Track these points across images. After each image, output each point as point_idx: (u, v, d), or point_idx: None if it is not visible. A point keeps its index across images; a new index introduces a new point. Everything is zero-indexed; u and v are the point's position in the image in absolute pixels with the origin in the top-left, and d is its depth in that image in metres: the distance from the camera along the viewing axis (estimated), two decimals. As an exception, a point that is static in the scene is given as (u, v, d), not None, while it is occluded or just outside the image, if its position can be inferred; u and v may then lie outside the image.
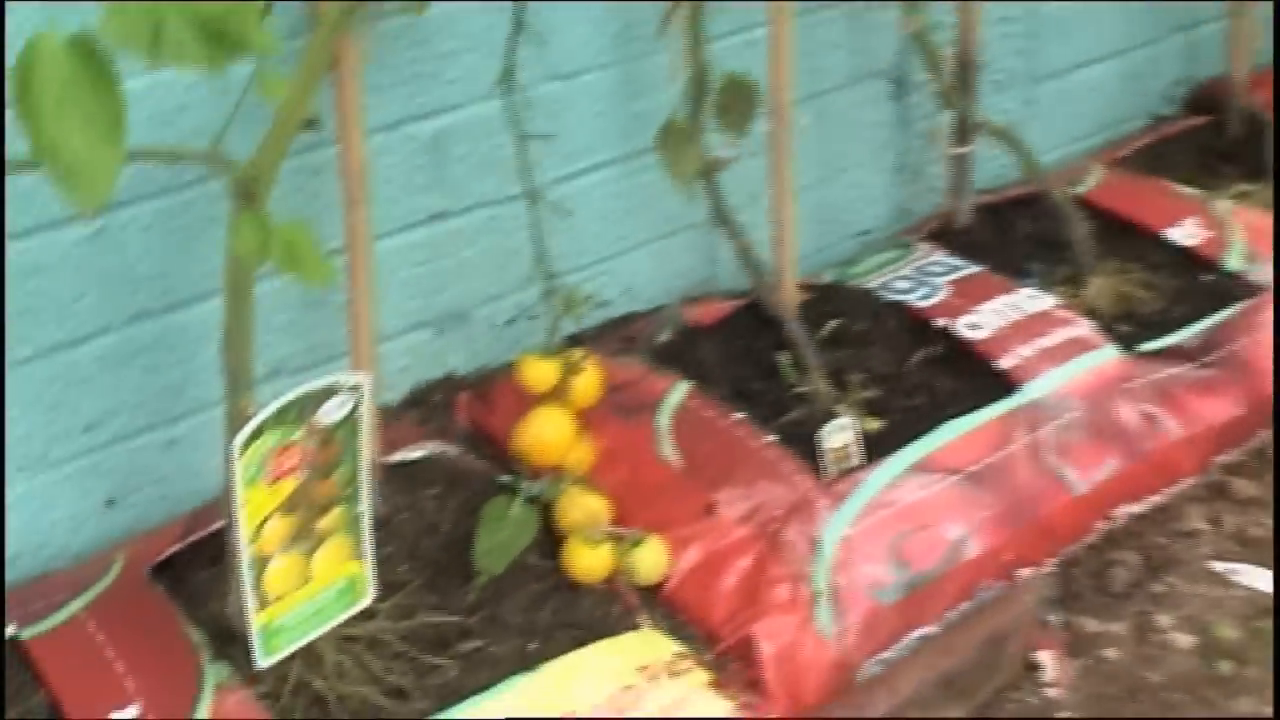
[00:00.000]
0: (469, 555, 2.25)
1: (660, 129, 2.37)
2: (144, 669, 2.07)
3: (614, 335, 2.73)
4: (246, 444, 1.78)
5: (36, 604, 2.17)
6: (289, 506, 1.87)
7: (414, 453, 2.48)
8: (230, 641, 2.07)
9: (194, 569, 2.25)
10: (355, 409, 1.87)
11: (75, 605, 2.18)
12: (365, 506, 1.98)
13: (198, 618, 2.14)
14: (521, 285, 2.62)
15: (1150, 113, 3.54)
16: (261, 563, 1.88)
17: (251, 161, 1.82)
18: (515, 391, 2.40)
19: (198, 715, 1.98)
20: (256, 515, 1.84)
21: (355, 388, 1.85)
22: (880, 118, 3.02)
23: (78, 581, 2.24)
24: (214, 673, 2.05)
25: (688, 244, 2.84)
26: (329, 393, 1.82)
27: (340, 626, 2.08)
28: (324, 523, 1.93)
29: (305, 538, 1.92)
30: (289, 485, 1.86)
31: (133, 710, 2.00)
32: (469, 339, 2.66)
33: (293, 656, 2.05)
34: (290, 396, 1.79)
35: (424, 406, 2.62)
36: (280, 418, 1.79)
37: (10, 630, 2.12)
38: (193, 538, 2.29)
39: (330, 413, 1.84)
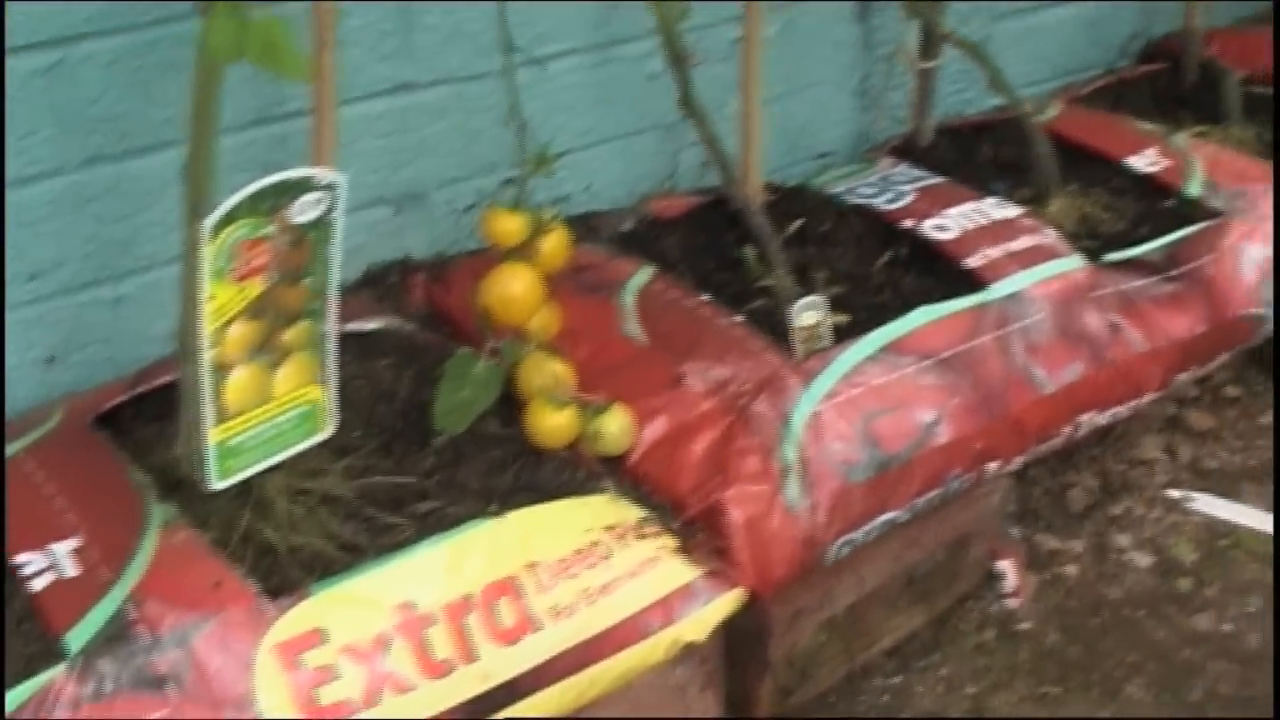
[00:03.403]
0: (426, 423, 2.17)
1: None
2: (86, 505, 1.97)
3: (576, 228, 2.66)
4: (216, 230, 1.69)
5: (-32, 449, 2.08)
6: (255, 311, 1.79)
7: (368, 324, 2.40)
8: (178, 486, 1.98)
9: (140, 422, 2.16)
10: (329, 212, 1.79)
11: (14, 448, 2.09)
12: (331, 326, 1.90)
13: (144, 464, 2.05)
14: (484, 170, 2.56)
15: (1109, 63, 3.53)
16: (221, 370, 1.79)
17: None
18: (475, 273, 2.32)
19: (141, 549, 1.89)
20: (221, 315, 1.75)
21: (330, 186, 1.77)
22: (845, 38, 3.00)
23: (16, 429, 2.14)
24: (160, 511, 1.95)
25: (652, 144, 2.79)
26: (304, 186, 1.74)
27: (294, 479, 2.00)
28: (289, 335, 1.85)
29: (269, 350, 1.84)
30: (256, 287, 1.77)
31: (73, 542, 1.90)
32: (427, 221, 2.59)
33: (243, 504, 1.96)
34: (264, 183, 1.70)
35: (379, 286, 2.54)
36: (253, 207, 1.71)
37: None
38: (140, 389, 2.19)
39: (303, 211, 1.76)
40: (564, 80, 2.63)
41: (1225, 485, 2.89)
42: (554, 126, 2.63)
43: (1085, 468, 2.84)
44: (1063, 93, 3.35)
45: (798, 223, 2.63)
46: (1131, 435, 2.93)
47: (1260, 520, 2.81)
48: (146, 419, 2.17)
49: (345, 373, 2.24)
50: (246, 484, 1.95)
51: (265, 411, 1.88)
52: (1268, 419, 3.07)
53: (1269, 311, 2.80)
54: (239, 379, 1.83)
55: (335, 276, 1.88)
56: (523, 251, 2.24)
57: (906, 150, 2.98)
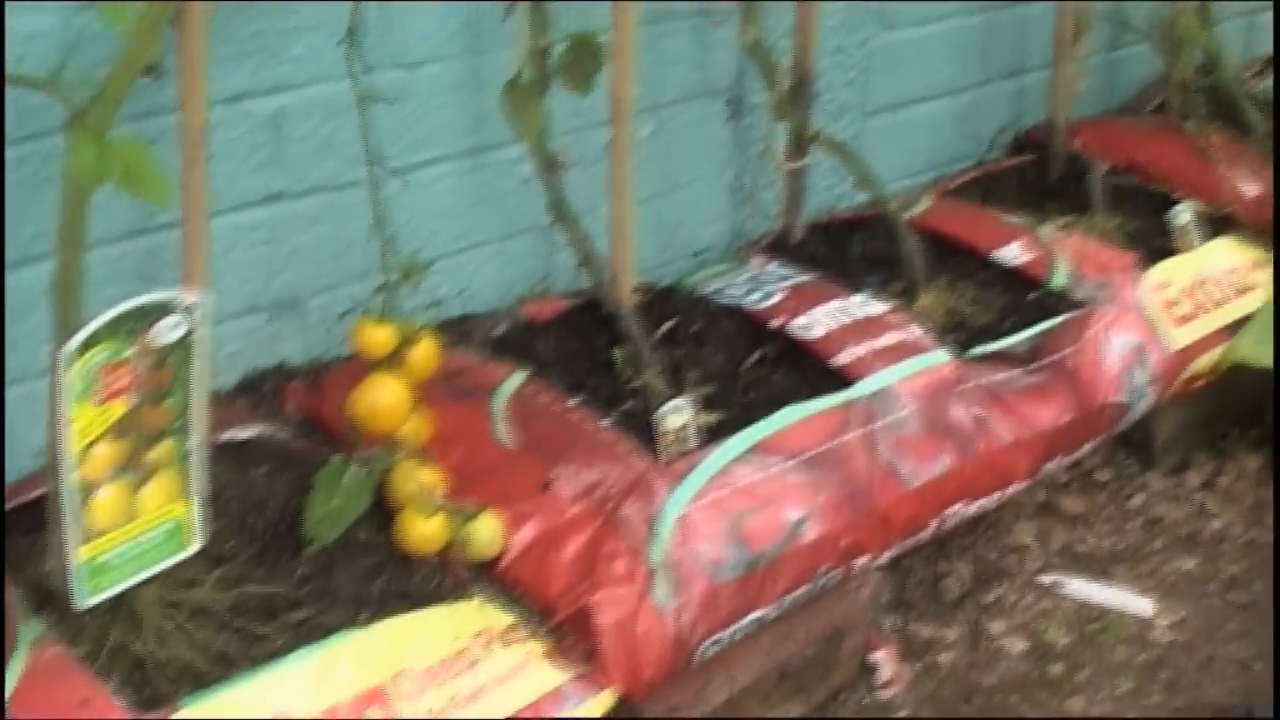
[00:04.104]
0: (299, 532, 2.20)
1: (506, 85, 2.36)
2: (-44, 623, 1.98)
3: (450, 331, 2.70)
4: (76, 355, 1.72)
5: None
6: (119, 431, 1.82)
7: (243, 432, 2.42)
8: (50, 600, 1.99)
9: (15, 535, 2.17)
10: (190, 333, 1.82)
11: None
12: (196, 443, 1.92)
13: (17, 579, 2.06)
14: (358, 277, 2.59)
15: (979, 155, 3.62)
16: (86, 490, 1.82)
17: (93, 95, 1.78)
18: (348, 381, 2.35)
19: (11, 667, 1.90)
20: (84, 436, 1.78)
21: (190, 309, 1.80)
22: (718, 137, 3.05)
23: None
24: (31, 628, 1.96)
25: (527, 247, 2.83)
26: (163, 309, 1.78)
27: (166, 591, 2.02)
28: (153, 454, 1.88)
29: (133, 468, 1.86)
30: (119, 408, 1.80)
31: (-63, 662, 1.91)
32: (303, 328, 2.61)
33: (115, 618, 1.98)
34: (124, 308, 1.74)
35: (254, 394, 2.56)
36: (113, 331, 1.74)
37: None
38: (15, 502, 2.20)
39: (164, 333, 1.79)
40: (437, 186, 2.67)
41: (1096, 569, 2.95)
42: (428, 232, 2.67)
43: (959, 556, 2.89)
44: (934, 186, 3.44)
45: (669, 323, 2.68)
46: (1004, 522, 2.98)
47: (1130, 603, 2.87)
48: (21, 531, 2.17)
49: (220, 482, 2.27)
50: (119, 597, 1.97)
51: (131, 529, 1.90)
52: (1137, 501, 3.14)
53: (1134, 399, 2.88)
54: (104, 498, 1.85)
55: (199, 395, 1.91)
56: (392, 361, 2.27)
57: (778, 247, 3.04)
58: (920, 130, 3.47)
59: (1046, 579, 2.90)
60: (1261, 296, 3.17)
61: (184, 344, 1.83)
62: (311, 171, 2.52)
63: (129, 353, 1.77)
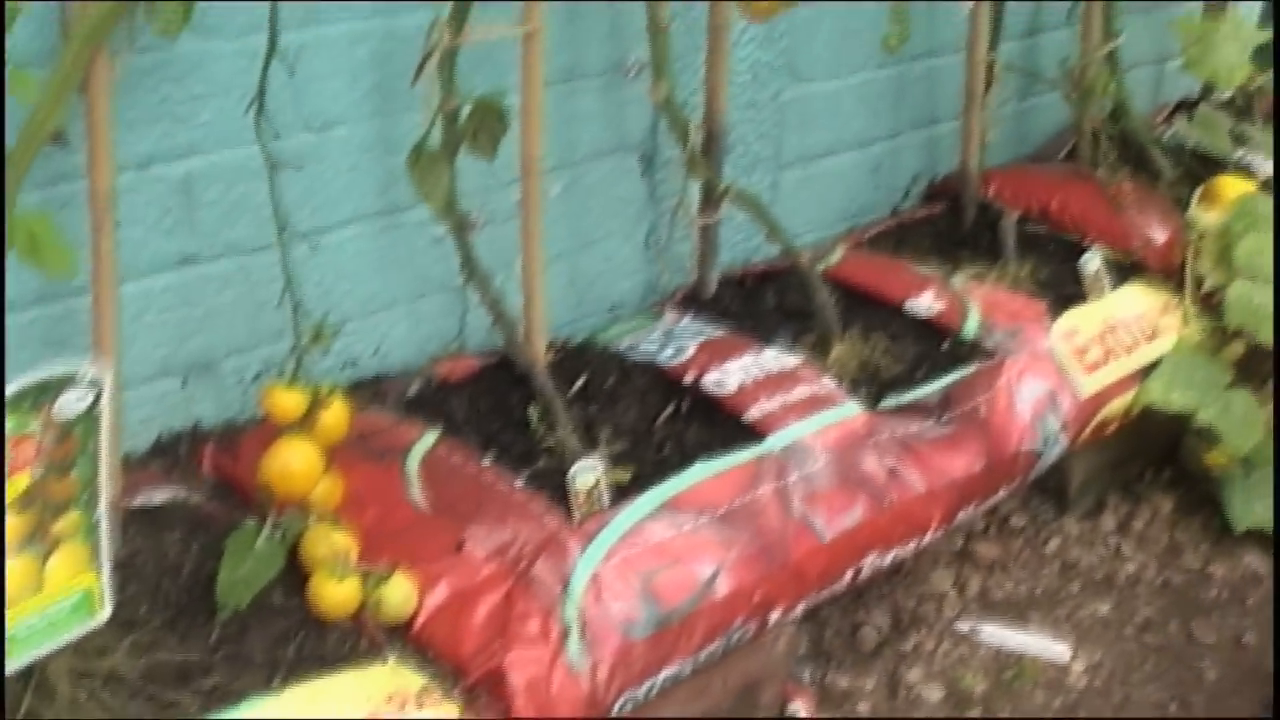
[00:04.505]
0: (212, 596, 2.20)
1: (412, 151, 2.38)
2: None
3: (364, 391, 2.71)
4: (-22, 431, 1.72)
5: None
6: (24, 504, 1.81)
7: (156, 497, 2.42)
8: (-44, 670, 1.99)
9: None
10: (95, 405, 1.83)
11: None
12: (103, 513, 1.92)
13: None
14: (271, 339, 2.59)
15: (893, 205, 3.66)
16: (-8, 563, 1.82)
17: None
18: (262, 442, 2.36)
19: (-78, 743, 1.90)
20: (-12, 510, 1.78)
21: (95, 381, 1.81)
22: (631, 193, 3.07)
23: None
24: (-64, 700, 1.96)
25: (440, 306, 2.85)
26: (67, 383, 1.78)
27: (78, 660, 2.02)
28: (60, 525, 1.87)
29: (39, 540, 1.86)
30: (23, 480, 1.80)
31: None
32: (216, 390, 2.62)
33: (24, 689, 1.97)
34: (26, 382, 1.73)
35: (168, 456, 2.57)
36: (16, 405, 1.74)
37: None
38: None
39: (69, 406, 1.79)
40: (349, 247, 2.69)
41: (1013, 614, 2.98)
42: (341, 293, 2.69)
43: (876, 604, 2.92)
44: (848, 236, 3.47)
45: (582, 380, 2.69)
46: (921, 569, 3.01)
47: (1046, 647, 2.90)
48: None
49: (133, 547, 2.28)
50: (30, 668, 1.96)
51: (38, 601, 1.90)
52: (1053, 547, 3.18)
53: (1046, 446, 2.91)
54: (10, 571, 1.85)
55: (105, 466, 1.91)
56: (303, 425, 2.28)
57: (692, 301, 3.07)
58: (834, 181, 3.50)
59: (963, 626, 2.93)
60: (1170, 341, 3.22)
61: (90, 416, 1.83)
62: (223, 235, 2.53)
63: (33, 426, 1.77)
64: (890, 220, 3.57)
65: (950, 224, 3.49)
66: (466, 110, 2.38)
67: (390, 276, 2.76)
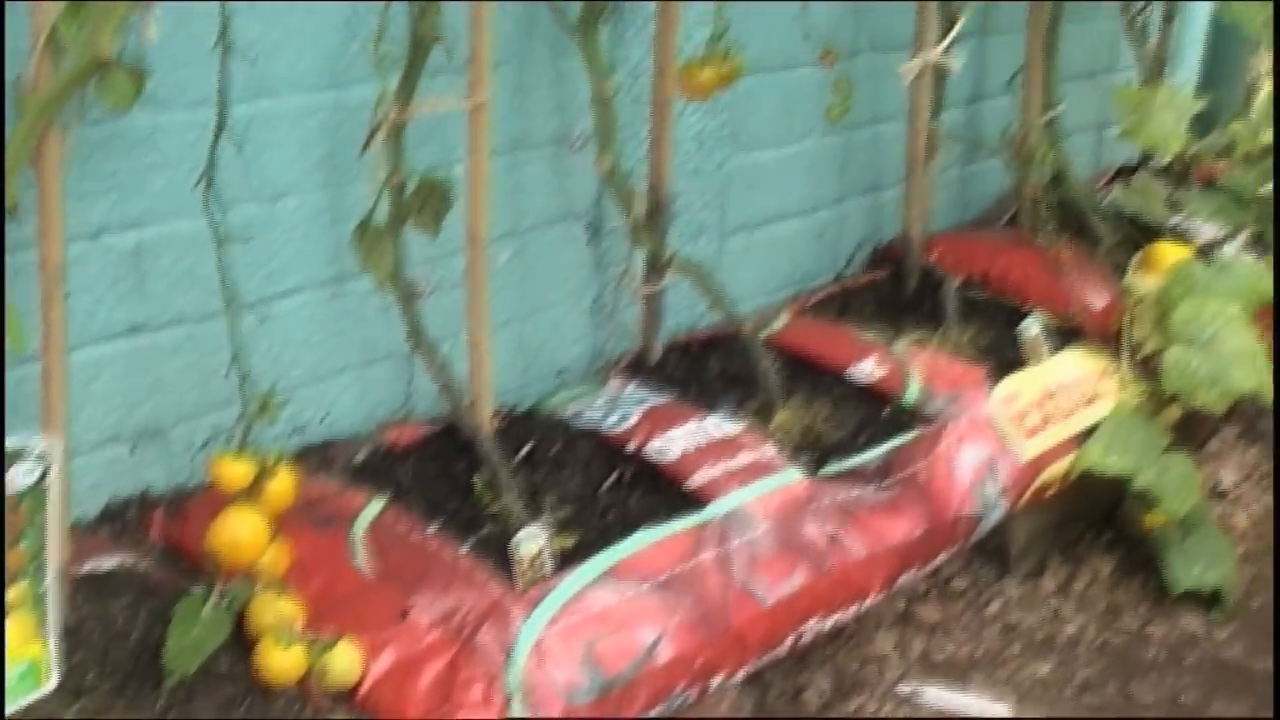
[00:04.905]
0: (159, 663, 2.22)
1: (356, 227, 2.42)
2: None
3: (312, 458, 2.74)
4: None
5: None
6: (-28, 577, 1.85)
7: (105, 563, 2.44)
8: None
9: None
10: (43, 478, 1.86)
11: None
12: (50, 584, 1.95)
13: None
14: (221, 405, 2.62)
15: (837, 271, 3.71)
16: (-59, 635, 1.84)
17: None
18: (211, 508, 2.38)
19: None
20: (-63, 583, 1.81)
21: (43, 456, 1.84)
22: (578, 260, 3.12)
23: None
24: (-114, 771, 1.98)
25: (388, 372, 2.88)
26: (16, 456, 1.81)
27: (23, 729, 2.04)
28: (9, 596, 1.90)
29: (-12, 612, 1.89)
30: (-28, 554, 1.83)
31: None
32: (166, 457, 2.64)
33: (-29, 756, 2.00)
34: (-26, 458, 1.77)
35: (117, 522, 2.59)
36: (-36, 480, 1.77)
37: None
38: None
39: (17, 479, 1.83)
40: (297, 315, 2.72)
41: (955, 676, 3.02)
42: (289, 360, 2.72)
43: (819, 667, 2.95)
44: (793, 302, 3.52)
45: (528, 447, 2.73)
46: (864, 632, 3.05)
47: (987, 709, 2.94)
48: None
49: (81, 614, 2.30)
50: (-23, 736, 1.99)
51: (-15, 672, 1.93)
52: (994, 608, 3.22)
53: (986, 510, 2.96)
54: (-42, 642, 1.88)
55: (54, 537, 1.94)
56: (251, 494, 2.31)
57: (637, 368, 3.11)
58: (779, 248, 3.56)
59: (905, 688, 2.96)
60: (1108, 405, 3.28)
61: (38, 489, 1.87)
62: (173, 304, 2.56)
63: (-19, 500, 1.80)
64: (834, 286, 3.63)
65: (893, 290, 3.54)
66: (413, 184, 2.42)
67: (338, 344, 2.79)
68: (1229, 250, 3.76)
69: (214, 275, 2.39)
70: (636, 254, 3.03)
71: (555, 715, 2.28)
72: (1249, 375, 3.23)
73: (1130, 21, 4.00)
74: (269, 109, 2.57)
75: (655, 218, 2.98)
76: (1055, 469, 3.15)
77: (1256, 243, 3.84)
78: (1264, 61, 4.36)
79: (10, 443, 1.82)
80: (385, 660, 2.30)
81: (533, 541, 2.40)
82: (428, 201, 2.39)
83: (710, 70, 2.81)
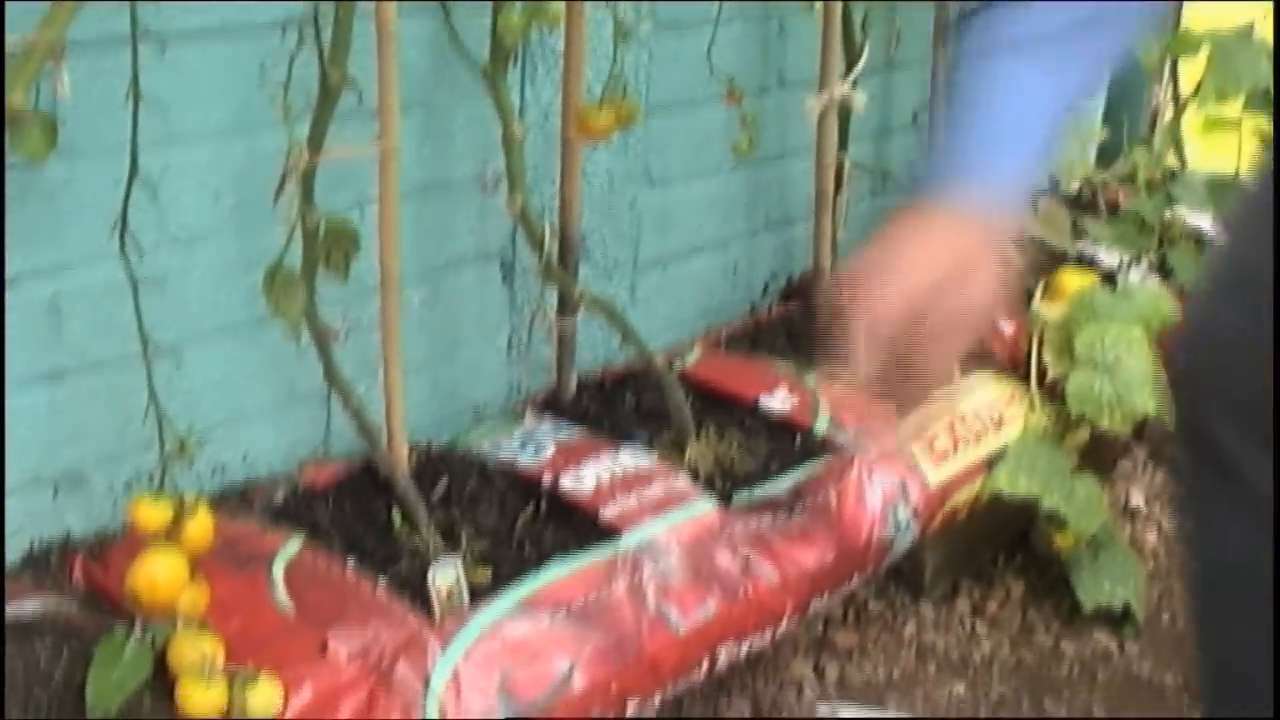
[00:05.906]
0: (83, 703, 2.26)
1: (266, 273, 2.47)
2: None
3: (231, 499, 2.78)
4: None
5: None
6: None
7: (28, 607, 2.48)
8: None
9: None
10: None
11: None
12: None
13: None
14: (141, 448, 2.65)
15: (750, 305, 3.78)
16: None
17: None
18: (131, 551, 2.43)
19: None
20: None
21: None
22: (493, 299, 3.17)
23: None
24: None
25: (307, 412, 2.93)
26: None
27: (-55, 772, 2.08)
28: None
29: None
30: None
31: None
32: (87, 500, 2.68)
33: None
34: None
35: (39, 567, 2.62)
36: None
37: None
38: None
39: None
40: (215, 358, 2.76)
41: (871, 698, 3.09)
42: (208, 403, 2.76)
43: (737, 693, 3.02)
44: (706, 337, 3.59)
45: (444, 484, 2.79)
46: (781, 657, 3.12)
47: (902, 730, 3.02)
48: None
49: (4, 657, 2.34)
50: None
51: (-95, 716, 1.96)
52: (909, 631, 3.29)
53: (897, 535, 3.03)
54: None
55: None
56: (169, 535, 2.36)
57: (552, 404, 3.16)
58: (691, 283, 3.63)
59: (823, 710, 3.03)
60: (1016, 429, 3.35)
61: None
62: (91, 350, 2.60)
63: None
64: (747, 320, 3.70)
65: (804, 322, 3.61)
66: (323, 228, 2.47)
67: (256, 386, 2.84)
68: (1132, 276, 3.86)
69: (131, 321, 2.44)
70: (549, 292, 3.09)
71: (472, 744, 2.33)
72: (1150, 398, 3.32)
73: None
74: (182, 157, 2.61)
75: (566, 256, 3.04)
76: (965, 493, 3.22)
77: (1159, 268, 3.94)
78: (1165, 91, 4.48)
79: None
80: (305, 694, 2.34)
81: (448, 574, 2.45)
82: (336, 245, 2.44)
83: (607, 112, 2.88)
